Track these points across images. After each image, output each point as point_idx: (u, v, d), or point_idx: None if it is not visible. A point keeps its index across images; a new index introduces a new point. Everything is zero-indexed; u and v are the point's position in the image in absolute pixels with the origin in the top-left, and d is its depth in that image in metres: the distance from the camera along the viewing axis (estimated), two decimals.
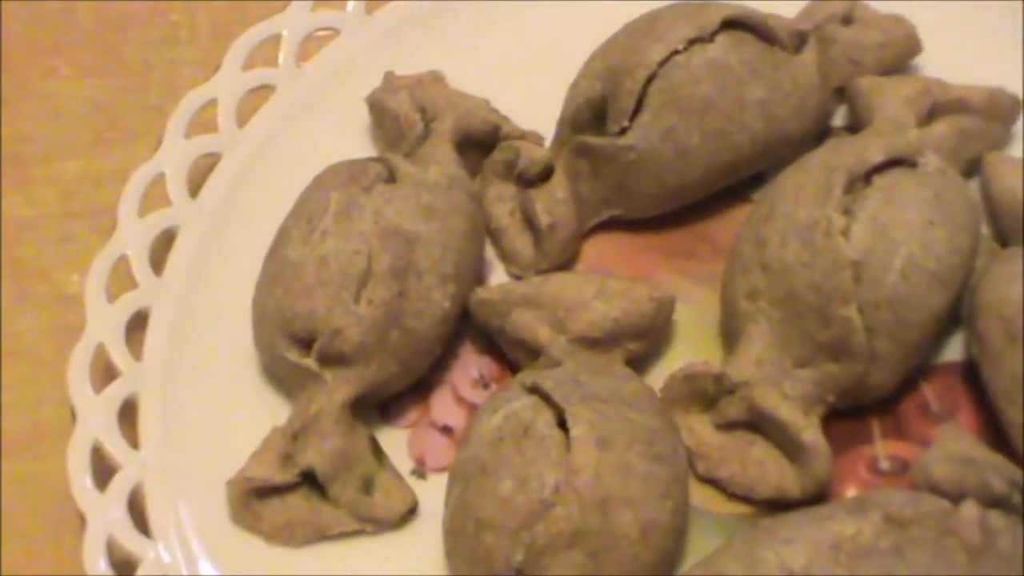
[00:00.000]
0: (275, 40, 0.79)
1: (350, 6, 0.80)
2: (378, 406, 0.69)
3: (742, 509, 0.66)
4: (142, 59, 0.85)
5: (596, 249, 0.73)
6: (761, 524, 0.61)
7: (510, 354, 0.69)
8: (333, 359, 0.66)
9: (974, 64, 0.74)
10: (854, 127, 0.73)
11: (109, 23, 0.87)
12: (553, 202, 0.71)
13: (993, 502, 0.59)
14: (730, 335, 0.67)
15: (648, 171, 0.70)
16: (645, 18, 0.72)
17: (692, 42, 0.69)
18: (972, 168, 0.71)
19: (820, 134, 0.73)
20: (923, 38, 0.74)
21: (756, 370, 0.65)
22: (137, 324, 0.71)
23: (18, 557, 0.70)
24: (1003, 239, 0.70)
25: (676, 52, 0.69)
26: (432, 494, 0.65)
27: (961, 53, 0.75)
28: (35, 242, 0.79)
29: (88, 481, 0.67)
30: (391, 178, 0.69)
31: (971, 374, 0.67)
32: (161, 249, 0.73)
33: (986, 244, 0.69)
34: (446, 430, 0.69)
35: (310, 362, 0.66)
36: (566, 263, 0.72)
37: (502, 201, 0.73)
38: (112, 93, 0.84)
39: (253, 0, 0.84)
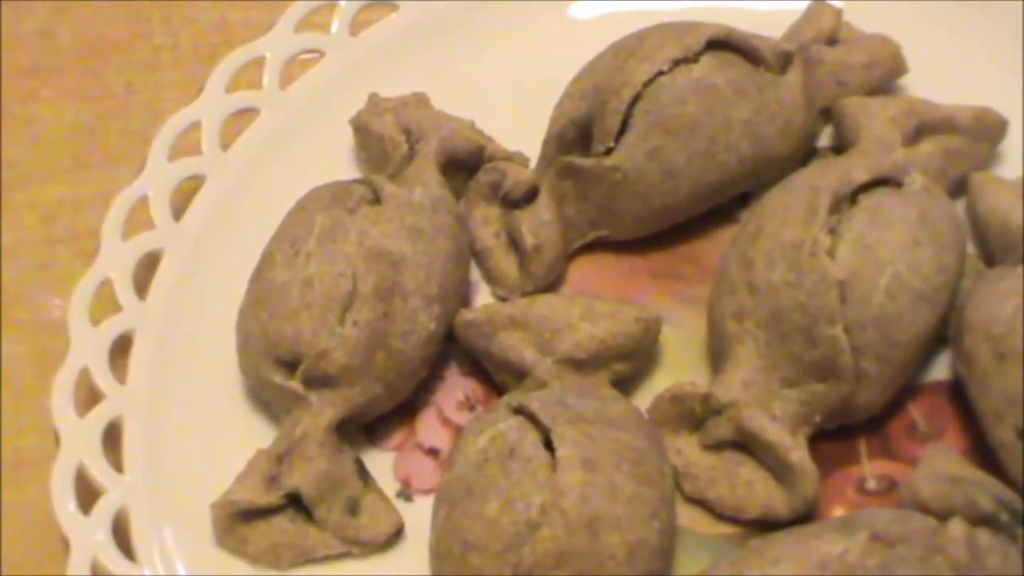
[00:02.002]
0: (259, 63, 0.78)
1: (334, 28, 0.80)
2: (364, 428, 0.69)
3: (729, 530, 0.65)
4: (124, 82, 0.85)
5: (582, 271, 0.73)
6: (749, 544, 0.61)
7: (496, 376, 0.69)
8: (318, 381, 0.66)
9: (960, 84, 0.74)
10: (840, 147, 0.73)
11: (91, 46, 0.86)
12: (538, 223, 0.71)
13: (981, 520, 0.59)
14: (717, 356, 0.67)
15: (634, 192, 0.70)
16: (630, 38, 0.72)
17: (677, 62, 0.69)
18: (958, 188, 0.72)
19: (806, 154, 0.74)
20: (908, 58, 0.74)
21: (743, 391, 0.65)
22: (121, 348, 0.71)
23: None
24: (989, 259, 0.70)
25: (661, 72, 0.69)
26: (418, 516, 0.65)
27: (947, 73, 0.75)
28: (15, 267, 0.79)
29: (72, 505, 0.66)
30: (375, 200, 0.69)
31: (958, 393, 0.67)
32: (145, 272, 0.73)
33: (972, 264, 0.69)
34: (432, 452, 0.69)
35: (295, 384, 0.66)
36: (552, 285, 0.72)
37: (487, 223, 0.73)
38: (93, 117, 0.84)
39: (236, 22, 0.84)
